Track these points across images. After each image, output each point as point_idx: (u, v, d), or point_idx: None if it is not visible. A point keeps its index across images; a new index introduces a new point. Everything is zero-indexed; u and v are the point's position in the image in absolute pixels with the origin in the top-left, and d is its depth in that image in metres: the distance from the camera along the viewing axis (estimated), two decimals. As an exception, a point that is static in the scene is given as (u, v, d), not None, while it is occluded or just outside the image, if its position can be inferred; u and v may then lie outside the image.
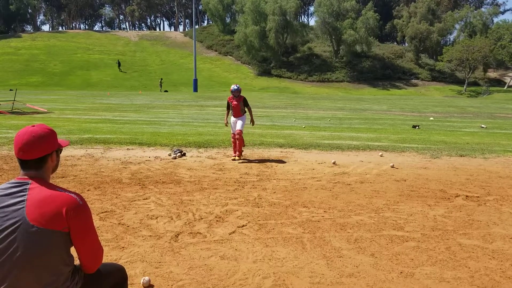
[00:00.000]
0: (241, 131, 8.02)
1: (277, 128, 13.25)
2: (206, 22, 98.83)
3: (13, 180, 1.84)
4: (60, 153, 1.99)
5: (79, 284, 1.91)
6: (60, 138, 2.00)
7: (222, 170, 7.10)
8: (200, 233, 4.13)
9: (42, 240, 1.72)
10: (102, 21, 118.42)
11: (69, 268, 1.86)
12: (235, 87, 8.23)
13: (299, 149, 9.32)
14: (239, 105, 8.18)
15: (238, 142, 7.98)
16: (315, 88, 55.08)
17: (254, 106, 22.73)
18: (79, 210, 1.78)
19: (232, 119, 8.30)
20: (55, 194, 1.78)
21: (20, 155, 1.81)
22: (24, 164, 1.83)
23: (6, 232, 1.72)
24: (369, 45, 61.34)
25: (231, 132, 8.29)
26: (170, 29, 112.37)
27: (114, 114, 17.54)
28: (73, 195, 1.81)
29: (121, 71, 54.99)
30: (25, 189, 1.78)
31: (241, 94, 8.34)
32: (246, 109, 8.31)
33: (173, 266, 3.39)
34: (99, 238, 1.95)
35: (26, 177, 1.82)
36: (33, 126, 1.86)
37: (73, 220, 1.76)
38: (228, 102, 8.34)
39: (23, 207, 1.74)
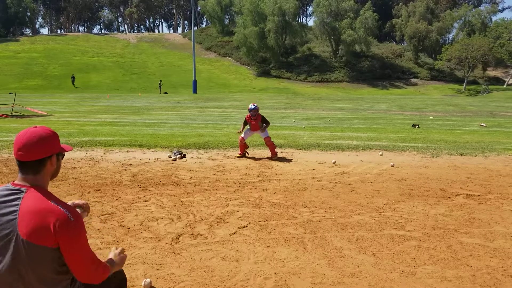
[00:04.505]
0: (269, 136, 8.37)
1: (277, 128, 13.25)
2: (204, 23, 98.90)
3: (9, 186, 1.78)
4: (62, 158, 1.93)
5: None
6: (61, 143, 1.94)
7: (223, 171, 7.10)
8: (201, 235, 4.13)
9: (33, 254, 1.68)
10: (101, 24, 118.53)
11: (67, 276, 1.82)
12: (253, 107, 8.34)
13: (299, 149, 9.32)
14: (257, 124, 8.39)
15: (271, 146, 8.33)
16: (314, 88, 55.06)
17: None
18: (68, 227, 1.70)
19: (248, 130, 8.52)
20: (46, 208, 1.70)
21: (18, 155, 1.75)
22: (22, 166, 1.77)
23: (0, 243, 1.70)
24: (368, 45, 61.32)
25: (242, 136, 8.41)
26: (169, 31, 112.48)
27: (113, 117, 17.54)
28: (64, 210, 1.73)
29: (75, 87, 49.05)
30: (19, 198, 1.72)
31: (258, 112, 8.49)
32: (263, 124, 8.48)
33: (174, 268, 3.39)
34: (93, 252, 1.83)
35: (22, 183, 1.76)
36: (35, 127, 1.82)
37: (61, 237, 1.68)
38: (245, 120, 8.49)
39: (15, 218, 1.68)
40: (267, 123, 8.52)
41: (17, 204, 1.71)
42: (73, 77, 50.32)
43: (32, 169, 1.77)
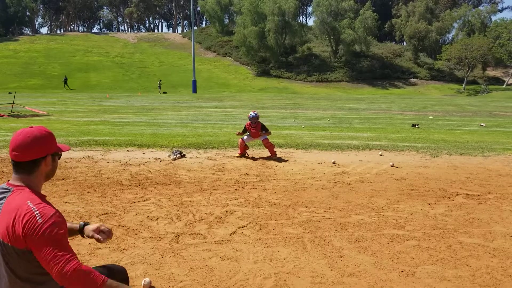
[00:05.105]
0: (267, 138, 8.33)
1: (277, 128, 13.24)
2: (204, 23, 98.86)
3: (3, 185, 1.79)
4: (59, 158, 1.91)
5: None
6: (60, 142, 1.92)
7: (222, 171, 7.10)
8: (201, 234, 4.13)
9: (12, 254, 1.67)
10: (101, 23, 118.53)
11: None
12: (253, 114, 8.33)
13: (299, 149, 9.32)
14: (257, 132, 8.34)
15: (270, 148, 8.33)
16: (314, 88, 55.06)
17: (253, 107, 22.73)
18: (34, 229, 1.61)
19: (248, 137, 8.49)
20: (21, 209, 1.64)
21: (13, 155, 1.75)
22: (17, 165, 1.76)
23: None
24: (367, 45, 61.32)
25: (242, 139, 8.38)
26: (169, 31, 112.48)
27: (113, 116, 17.53)
28: (36, 211, 1.64)
29: (67, 88, 46.78)
30: (4, 197, 1.71)
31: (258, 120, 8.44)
32: (263, 131, 8.44)
33: (174, 268, 3.39)
34: (71, 254, 1.66)
35: (14, 183, 1.76)
36: (31, 127, 1.81)
37: (29, 240, 1.61)
38: (245, 128, 8.45)
39: None
40: (268, 131, 8.44)
41: (1, 204, 1.71)
42: (65, 79, 48.33)
43: (26, 169, 1.76)
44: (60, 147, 1.88)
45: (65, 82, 47.90)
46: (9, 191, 1.73)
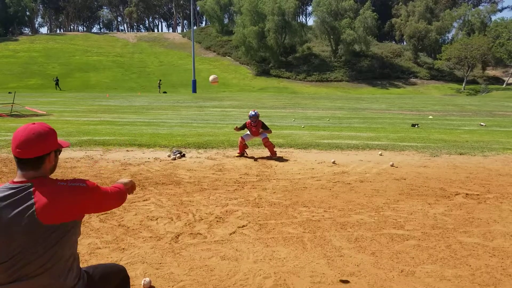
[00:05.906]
0: (267, 137, 8.33)
1: (277, 128, 13.23)
2: (204, 23, 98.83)
3: (10, 184, 1.75)
4: (59, 154, 1.92)
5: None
6: (60, 139, 1.92)
7: (222, 171, 7.10)
8: (201, 234, 4.13)
9: (60, 235, 1.74)
10: (100, 23, 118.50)
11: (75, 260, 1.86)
12: (253, 113, 8.36)
13: (299, 149, 9.32)
14: (257, 130, 8.36)
15: (269, 147, 8.36)
16: (314, 88, 55.06)
17: (252, 107, 22.73)
18: (87, 192, 1.88)
19: (248, 135, 8.49)
20: (60, 191, 1.76)
21: (17, 153, 1.74)
22: (21, 163, 1.75)
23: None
24: (367, 44, 61.32)
25: (241, 136, 8.39)
26: (168, 30, 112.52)
27: (113, 116, 17.52)
28: (73, 184, 1.84)
29: (59, 89, 45.97)
30: (30, 192, 1.70)
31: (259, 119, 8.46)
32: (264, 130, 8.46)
33: (174, 267, 3.39)
34: (111, 189, 2.12)
35: (23, 180, 1.74)
36: (33, 123, 1.80)
37: (87, 201, 1.86)
38: (245, 124, 8.47)
39: (33, 211, 1.67)
40: (268, 129, 8.45)
41: (31, 199, 1.69)
42: (57, 79, 47.54)
43: (31, 166, 1.76)
44: (61, 143, 1.89)
45: (57, 83, 47.21)
46: (29, 187, 1.72)
